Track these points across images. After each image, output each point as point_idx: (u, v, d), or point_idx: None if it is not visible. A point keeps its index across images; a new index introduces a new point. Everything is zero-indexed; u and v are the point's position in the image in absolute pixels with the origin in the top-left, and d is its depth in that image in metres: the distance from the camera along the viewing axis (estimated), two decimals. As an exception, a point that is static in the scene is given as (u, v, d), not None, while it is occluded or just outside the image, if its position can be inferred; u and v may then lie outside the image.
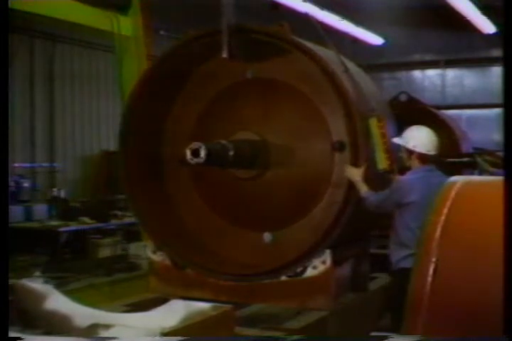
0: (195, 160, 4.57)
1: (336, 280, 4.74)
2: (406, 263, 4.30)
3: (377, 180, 4.74)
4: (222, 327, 3.23)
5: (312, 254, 4.70)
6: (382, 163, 4.76)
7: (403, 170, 4.71)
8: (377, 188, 4.60)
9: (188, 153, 4.58)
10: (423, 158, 4.58)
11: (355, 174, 4.56)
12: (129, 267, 8.11)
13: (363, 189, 4.53)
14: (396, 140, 4.65)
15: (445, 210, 2.00)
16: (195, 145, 4.58)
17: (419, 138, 4.59)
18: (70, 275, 7.65)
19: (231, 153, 4.77)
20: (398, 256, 4.43)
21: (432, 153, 4.61)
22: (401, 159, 4.68)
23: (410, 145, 4.55)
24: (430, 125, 10.37)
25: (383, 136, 4.75)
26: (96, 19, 7.61)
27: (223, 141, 4.84)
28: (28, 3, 6.73)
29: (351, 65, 5.22)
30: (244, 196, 5.27)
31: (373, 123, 4.74)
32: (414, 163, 4.59)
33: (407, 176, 4.57)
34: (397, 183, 4.55)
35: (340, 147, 4.83)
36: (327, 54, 4.93)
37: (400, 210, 4.47)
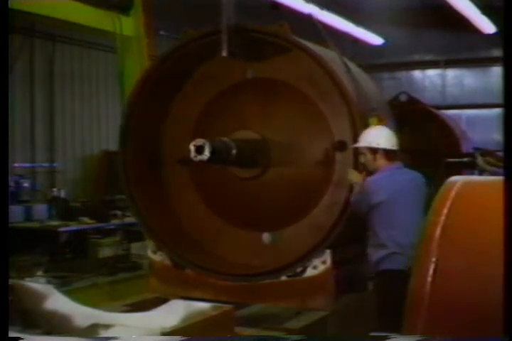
0: (199, 157, 4.55)
1: (336, 280, 4.74)
2: (387, 265, 4.29)
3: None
4: (222, 327, 3.23)
5: (312, 254, 4.70)
6: None
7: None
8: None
9: (193, 149, 4.56)
10: (389, 155, 4.54)
11: (357, 177, 4.55)
12: (131, 266, 8.11)
13: (356, 190, 4.52)
14: (357, 144, 4.58)
15: (445, 210, 2.00)
16: (199, 141, 4.56)
17: (380, 136, 4.54)
18: (72, 275, 7.65)
19: (234, 151, 4.76)
20: (377, 256, 4.39)
21: (396, 148, 4.58)
22: (366, 163, 4.59)
23: (374, 144, 4.49)
24: (430, 125, 10.42)
25: None
26: (98, 19, 7.60)
27: (225, 139, 4.83)
28: (28, 3, 6.72)
29: (352, 66, 5.23)
30: (244, 196, 5.27)
31: (374, 122, 4.75)
32: (381, 162, 4.54)
33: (374, 176, 4.52)
34: (366, 184, 4.48)
35: (341, 146, 4.84)
36: (328, 54, 4.93)
37: (373, 211, 4.44)
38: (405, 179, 4.57)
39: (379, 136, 4.54)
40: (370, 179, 4.51)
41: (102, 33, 8.09)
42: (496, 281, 1.76)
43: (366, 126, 4.68)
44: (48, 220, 9.48)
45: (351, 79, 4.83)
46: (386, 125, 4.80)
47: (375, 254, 4.43)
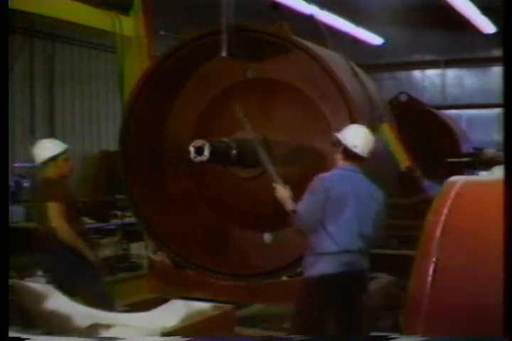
0: (199, 158, 4.54)
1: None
2: (317, 269, 4.05)
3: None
4: (222, 327, 3.23)
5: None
6: (405, 161, 4.87)
7: None
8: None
9: (192, 150, 4.56)
10: (348, 155, 4.13)
11: (284, 193, 4.23)
12: (131, 266, 8.10)
13: (289, 205, 4.16)
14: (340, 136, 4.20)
15: (445, 210, 2.00)
16: (198, 142, 4.56)
17: (357, 135, 4.15)
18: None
19: (234, 151, 4.76)
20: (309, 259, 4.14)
21: (364, 154, 4.13)
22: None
23: (342, 138, 4.12)
24: (430, 125, 10.42)
25: (397, 137, 4.88)
26: (98, 19, 7.60)
27: (226, 139, 4.83)
28: (28, 3, 6.72)
29: (357, 68, 5.23)
30: (245, 196, 5.27)
31: (386, 128, 4.83)
32: (338, 160, 4.19)
33: (328, 173, 4.15)
34: (317, 181, 4.08)
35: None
36: (331, 55, 4.94)
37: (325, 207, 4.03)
38: (357, 183, 4.11)
39: (356, 134, 4.15)
40: (322, 175, 4.12)
41: (102, 33, 8.09)
42: (496, 281, 1.76)
43: (376, 132, 4.68)
44: (48, 220, 9.46)
45: (359, 83, 4.84)
46: (396, 128, 4.87)
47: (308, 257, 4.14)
